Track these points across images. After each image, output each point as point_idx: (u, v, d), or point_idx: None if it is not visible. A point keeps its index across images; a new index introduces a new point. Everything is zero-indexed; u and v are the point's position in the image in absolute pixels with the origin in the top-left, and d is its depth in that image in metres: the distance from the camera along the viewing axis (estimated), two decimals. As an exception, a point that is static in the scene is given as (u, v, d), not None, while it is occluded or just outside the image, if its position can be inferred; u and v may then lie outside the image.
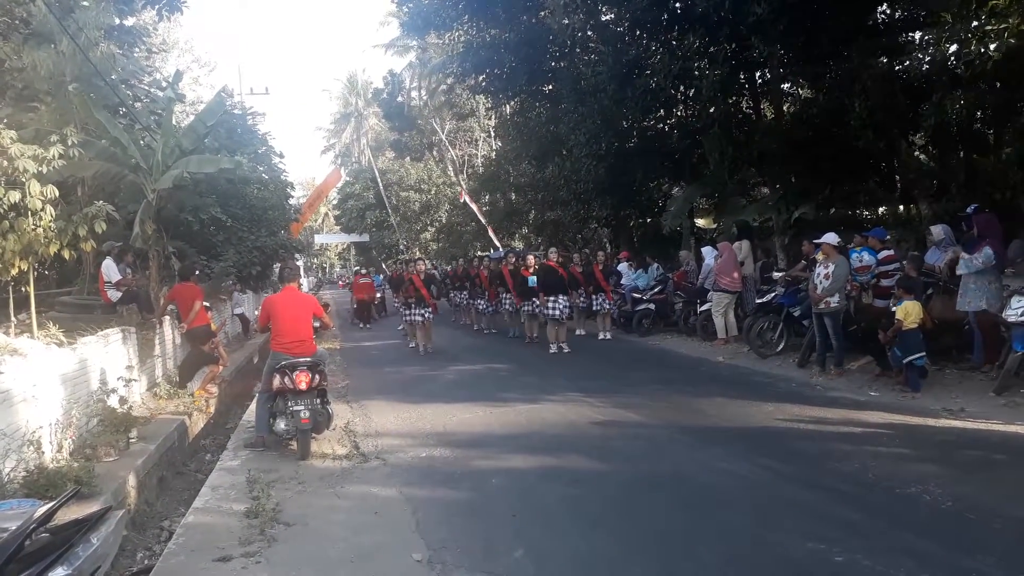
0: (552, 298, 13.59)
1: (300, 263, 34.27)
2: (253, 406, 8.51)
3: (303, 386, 6.91)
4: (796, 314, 10.96)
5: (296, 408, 6.89)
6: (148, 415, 8.80)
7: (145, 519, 6.28)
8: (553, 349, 13.47)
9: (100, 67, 10.99)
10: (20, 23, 11.88)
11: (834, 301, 9.41)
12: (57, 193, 7.59)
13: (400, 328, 18.21)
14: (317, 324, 7.73)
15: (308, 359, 7.20)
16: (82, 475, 5.76)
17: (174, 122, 12.76)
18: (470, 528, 5.03)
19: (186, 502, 6.42)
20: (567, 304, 13.72)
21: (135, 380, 9.07)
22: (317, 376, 7.13)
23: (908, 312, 8.23)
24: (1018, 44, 8.93)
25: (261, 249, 17.24)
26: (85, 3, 11.90)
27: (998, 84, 10.71)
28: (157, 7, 14.29)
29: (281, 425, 7.08)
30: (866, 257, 10.34)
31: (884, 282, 9.95)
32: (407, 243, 41.93)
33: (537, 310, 14.43)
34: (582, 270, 14.96)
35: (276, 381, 7.04)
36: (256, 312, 22.71)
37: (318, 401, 7.21)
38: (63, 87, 10.87)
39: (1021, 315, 7.51)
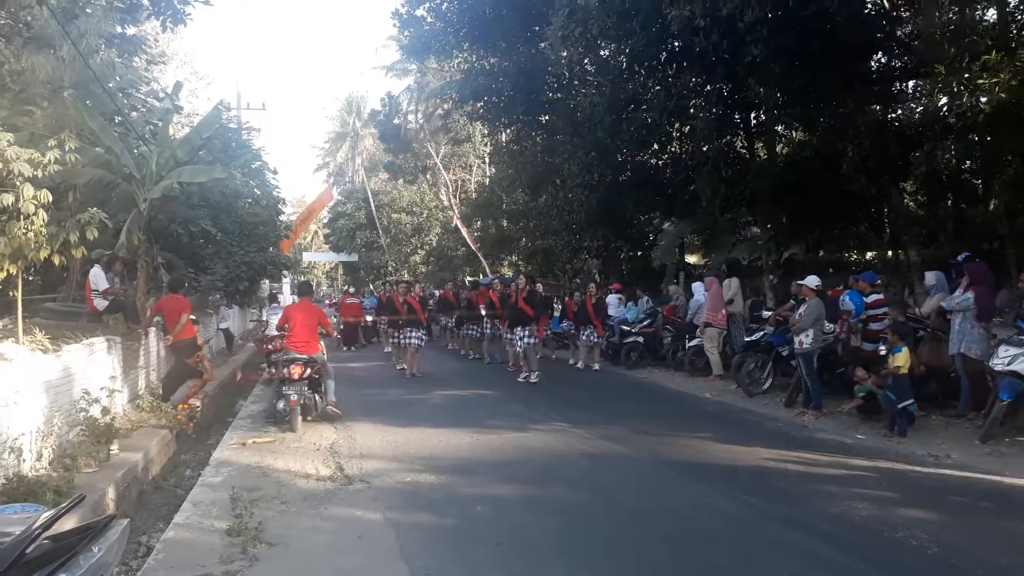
0: (518, 328, 13.54)
1: (287, 280, 34.23)
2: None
3: (295, 376, 9.04)
4: (784, 354, 10.99)
5: (288, 392, 9.04)
6: (130, 427, 8.65)
7: (122, 533, 6.15)
8: (520, 378, 13.32)
9: (99, 74, 10.94)
10: (23, 27, 11.86)
11: (807, 342, 9.46)
12: (50, 198, 7.53)
13: (387, 350, 18.12)
14: (324, 331, 9.95)
15: (304, 356, 9.23)
16: (61, 485, 5.66)
17: (170, 133, 12.73)
18: (453, 555, 4.96)
19: (165, 518, 6.31)
20: (531, 335, 13.53)
21: (118, 391, 8.94)
22: (308, 369, 9.16)
23: (904, 359, 8.27)
24: (1009, 98, 9.12)
25: (249, 264, 17.18)
26: (88, 10, 11.91)
27: (988, 136, 10.89)
28: (161, 18, 14.29)
29: (279, 405, 9.18)
30: (847, 301, 10.44)
31: (873, 325, 10.01)
32: (396, 265, 41.84)
33: (498, 335, 14.68)
34: (578, 306, 14.90)
35: (280, 372, 9.23)
36: (245, 327, 22.63)
37: (307, 389, 9.19)
38: (60, 92, 10.84)
39: (1007, 364, 7.60)
